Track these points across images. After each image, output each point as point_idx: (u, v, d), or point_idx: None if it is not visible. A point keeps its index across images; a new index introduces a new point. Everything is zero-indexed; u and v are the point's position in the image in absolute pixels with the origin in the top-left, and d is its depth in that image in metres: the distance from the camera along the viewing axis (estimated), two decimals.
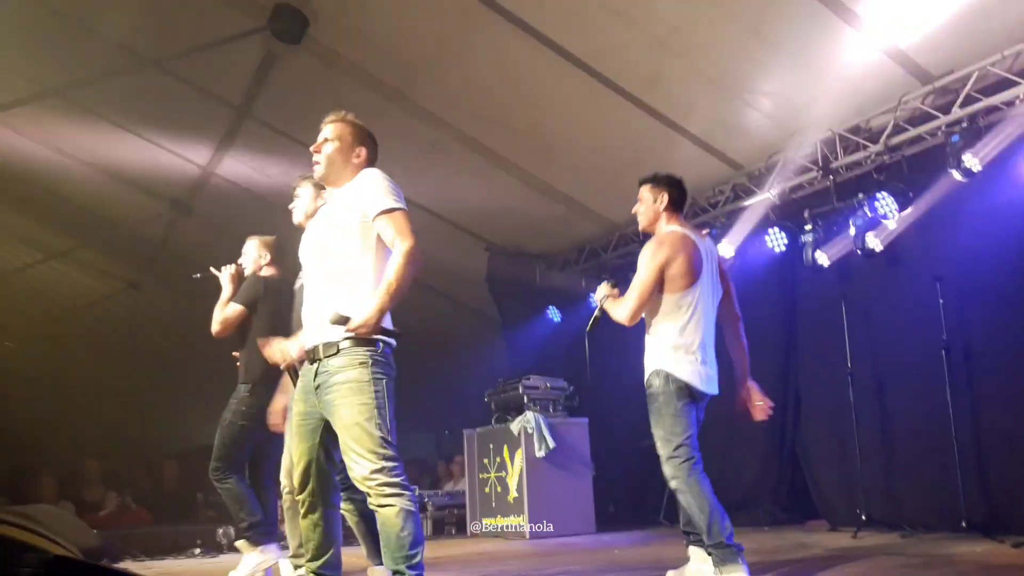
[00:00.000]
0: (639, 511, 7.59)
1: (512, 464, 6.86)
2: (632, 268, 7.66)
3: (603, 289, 3.28)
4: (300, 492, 2.83)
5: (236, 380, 4.47)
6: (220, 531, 7.48)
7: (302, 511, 2.84)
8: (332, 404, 2.71)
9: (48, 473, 8.45)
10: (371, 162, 2.96)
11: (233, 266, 4.54)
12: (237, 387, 4.46)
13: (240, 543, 4.41)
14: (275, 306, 4.41)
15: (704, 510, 3.50)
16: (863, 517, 5.37)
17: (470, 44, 5.65)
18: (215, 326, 4.43)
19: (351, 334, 2.66)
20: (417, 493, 8.22)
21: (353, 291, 2.73)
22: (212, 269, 4.57)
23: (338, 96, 5.94)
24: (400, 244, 2.69)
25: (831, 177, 5.94)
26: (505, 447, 6.98)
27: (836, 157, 5.86)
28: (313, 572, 2.85)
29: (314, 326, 2.81)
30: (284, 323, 4.38)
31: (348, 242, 2.76)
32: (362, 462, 2.63)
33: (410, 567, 2.63)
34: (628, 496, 7.84)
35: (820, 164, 5.92)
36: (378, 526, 2.67)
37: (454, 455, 9.03)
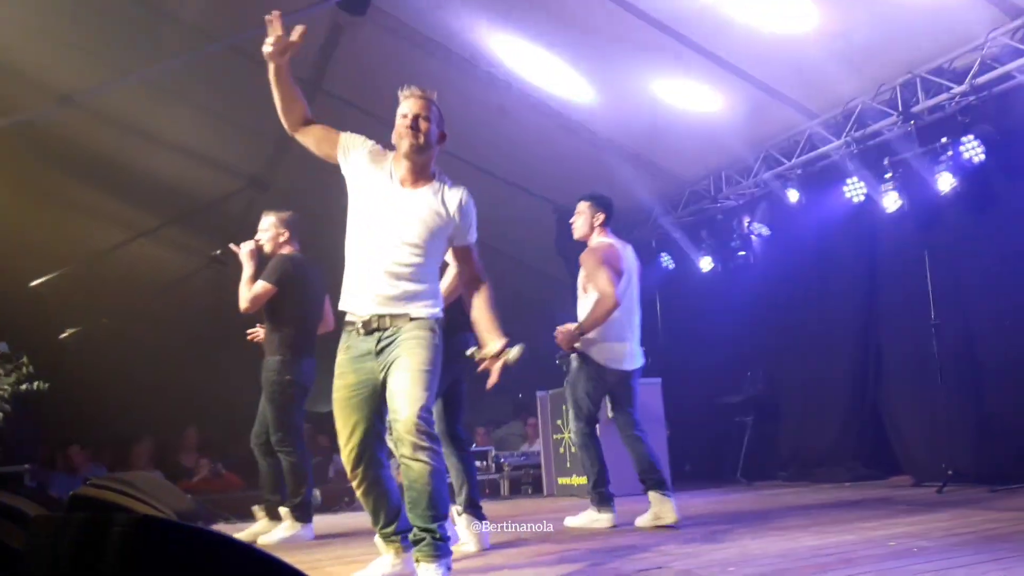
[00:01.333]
0: (716, 469, 7.56)
1: None
2: (704, 225, 7.60)
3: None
4: (357, 464, 2.87)
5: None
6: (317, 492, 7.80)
7: (363, 483, 2.89)
8: (398, 356, 2.80)
9: (144, 442, 8.94)
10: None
11: (252, 243, 4.64)
12: (266, 360, 4.60)
13: (284, 511, 4.56)
14: (303, 284, 4.59)
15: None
16: (949, 472, 5.22)
17: (534, 6, 5.60)
18: (244, 303, 4.53)
19: (428, 311, 2.88)
20: (494, 454, 8.37)
21: (419, 282, 2.89)
22: (232, 246, 4.67)
23: (404, 65, 5.99)
24: (482, 276, 3.04)
25: (912, 122, 5.70)
26: None
27: (917, 101, 5.61)
28: (389, 536, 2.92)
29: (379, 297, 2.88)
30: (311, 299, 4.59)
31: (433, 242, 2.91)
32: (413, 405, 2.69)
33: (440, 526, 2.70)
34: (705, 455, 7.81)
35: (900, 109, 5.69)
36: (406, 483, 2.72)
37: (528, 417, 9.13)
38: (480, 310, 2.98)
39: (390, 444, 3.01)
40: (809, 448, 6.89)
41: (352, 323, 2.95)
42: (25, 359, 5.37)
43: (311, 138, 3.06)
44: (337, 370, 2.95)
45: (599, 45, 5.84)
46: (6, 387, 5.18)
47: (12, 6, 5.91)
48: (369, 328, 2.90)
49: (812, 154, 6.41)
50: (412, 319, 2.88)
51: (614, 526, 4.54)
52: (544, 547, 3.79)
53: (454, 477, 3.94)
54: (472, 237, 3.02)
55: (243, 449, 4.62)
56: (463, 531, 3.83)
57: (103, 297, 9.56)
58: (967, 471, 5.31)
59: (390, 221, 2.91)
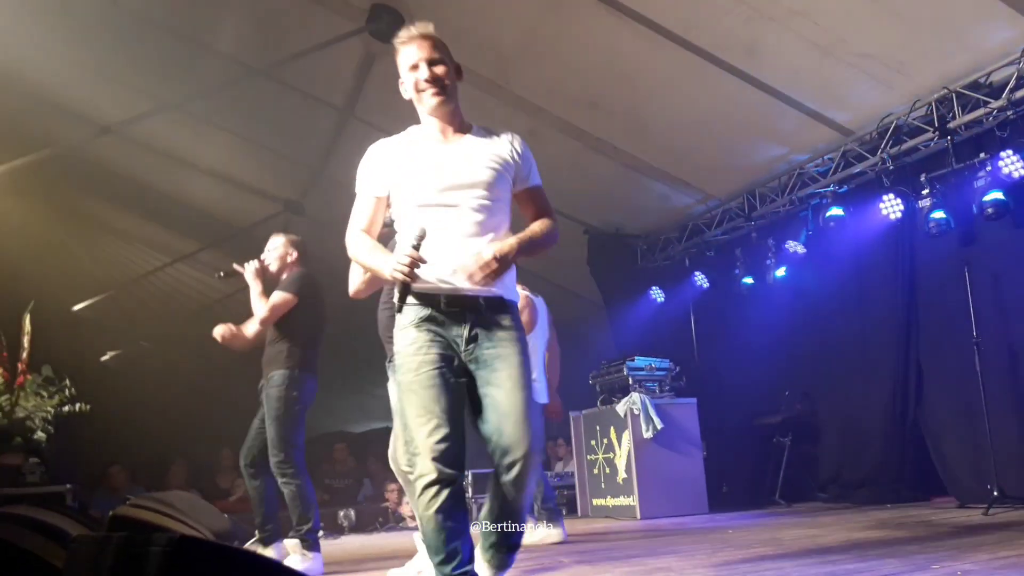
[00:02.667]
0: (754, 491, 7.45)
1: (619, 445, 6.86)
2: (737, 244, 7.55)
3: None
4: (449, 467, 2.33)
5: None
6: (341, 513, 7.82)
7: (438, 496, 2.31)
8: (498, 358, 2.43)
9: (182, 462, 9.07)
10: None
11: (256, 262, 4.59)
12: (271, 376, 4.47)
13: (292, 543, 4.36)
14: (319, 301, 4.61)
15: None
16: (995, 493, 5.09)
17: (562, 29, 5.64)
18: (263, 313, 4.45)
19: (512, 297, 2.55)
20: None
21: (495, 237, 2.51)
22: (235, 266, 4.60)
23: None
24: (549, 216, 2.63)
25: (949, 137, 5.62)
26: (612, 428, 6.98)
27: (953, 116, 5.54)
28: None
29: (458, 267, 2.43)
30: (322, 318, 4.60)
31: (500, 185, 2.54)
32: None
33: (511, 554, 2.54)
34: (742, 476, 7.71)
35: (936, 124, 5.62)
36: (499, 515, 2.48)
37: (560, 437, 9.11)
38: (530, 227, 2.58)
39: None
40: (849, 469, 6.76)
41: (429, 296, 2.46)
42: (67, 382, 5.47)
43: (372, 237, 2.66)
44: (411, 346, 2.44)
45: (627, 66, 5.86)
46: (49, 409, 5.29)
47: (55, 42, 6.10)
48: (454, 304, 2.46)
49: (848, 171, 6.35)
50: (505, 303, 2.52)
51: (562, 541, 5.14)
52: (571, 565, 3.75)
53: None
54: (536, 178, 2.66)
55: None
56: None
57: (142, 321, 9.77)
58: (1013, 491, 5.17)
59: (447, 171, 2.51)
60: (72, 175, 7.38)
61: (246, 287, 4.63)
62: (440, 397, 2.37)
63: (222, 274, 4.65)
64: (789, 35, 5.26)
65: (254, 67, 6.20)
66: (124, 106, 6.60)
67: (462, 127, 2.64)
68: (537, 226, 2.57)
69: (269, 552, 4.39)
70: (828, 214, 6.60)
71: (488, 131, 2.66)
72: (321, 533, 4.57)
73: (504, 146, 2.61)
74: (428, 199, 2.49)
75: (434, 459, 2.30)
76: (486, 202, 2.50)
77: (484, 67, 6.04)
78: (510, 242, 2.43)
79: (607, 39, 5.60)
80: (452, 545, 2.33)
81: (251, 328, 4.62)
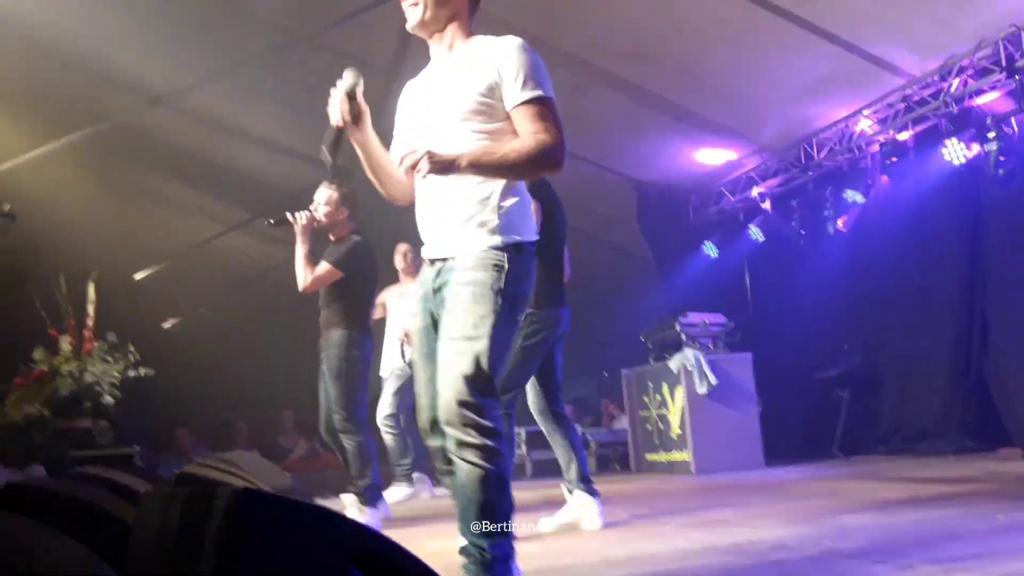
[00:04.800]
0: (812, 445, 7.36)
1: (673, 401, 6.83)
2: (794, 195, 7.37)
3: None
4: (431, 429, 2.25)
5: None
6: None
7: (443, 459, 2.24)
8: (444, 307, 2.22)
9: (244, 424, 9.34)
10: (475, 5, 2.40)
11: (306, 214, 4.44)
12: (329, 335, 4.45)
13: (349, 498, 4.40)
14: (371, 272, 4.58)
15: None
16: None
17: None
18: (306, 284, 4.37)
19: (491, 241, 2.18)
20: (581, 431, 8.39)
21: (480, 191, 2.21)
22: (288, 215, 4.46)
23: None
24: (540, 140, 2.15)
25: (1016, 77, 5.37)
26: (664, 385, 6.95)
27: (1022, 55, 5.28)
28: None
29: (437, 232, 2.30)
30: (373, 280, 4.57)
31: (477, 123, 2.21)
32: (453, 386, 2.10)
33: (492, 545, 2.09)
34: (800, 430, 7.62)
35: (1003, 64, 5.36)
36: (453, 486, 2.19)
37: (613, 395, 9.12)
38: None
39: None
40: (910, 421, 6.63)
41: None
42: (131, 347, 5.65)
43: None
44: (413, 311, 2.41)
45: (677, 15, 5.70)
46: (115, 375, 5.46)
47: (106, 16, 6.18)
48: (433, 260, 2.33)
49: (909, 116, 6.12)
50: (468, 252, 2.21)
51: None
52: (626, 521, 3.77)
53: (561, 455, 3.86)
54: (528, 91, 2.18)
55: None
56: (578, 509, 3.73)
57: (201, 288, 10.01)
58: None
59: (420, 108, 2.34)
60: (126, 147, 7.52)
61: (290, 257, 4.61)
62: (425, 367, 2.29)
63: (272, 221, 4.60)
64: None
65: (299, 32, 6.20)
66: (172, 76, 6.68)
67: (454, 46, 2.33)
68: (518, 143, 2.15)
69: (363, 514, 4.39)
70: (887, 161, 6.38)
71: (483, 45, 2.29)
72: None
73: (488, 66, 2.22)
74: (413, 139, 2.29)
75: None
76: (464, 140, 2.19)
77: (527, 22, 5.92)
78: (465, 152, 2.11)
79: None
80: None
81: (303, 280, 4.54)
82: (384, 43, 6.44)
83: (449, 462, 2.21)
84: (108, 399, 5.35)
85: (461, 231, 2.23)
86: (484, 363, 2.10)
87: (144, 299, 9.03)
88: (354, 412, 4.42)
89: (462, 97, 2.22)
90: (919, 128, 6.21)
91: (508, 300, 2.17)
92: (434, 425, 2.24)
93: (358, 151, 2.37)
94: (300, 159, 8.33)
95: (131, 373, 5.51)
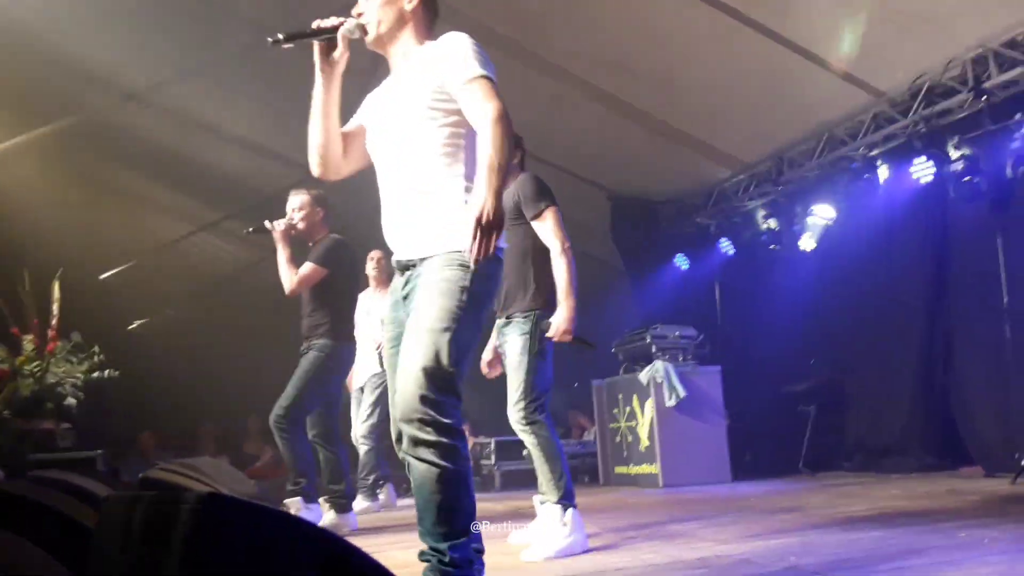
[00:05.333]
0: (778, 460, 7.41)
1: (642, 414, 6.86)
2: (765, 209, 7.42)
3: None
4: (397, 441, 2.21)
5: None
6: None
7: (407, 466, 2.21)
8: (415, 302, 2.22)
9: (209, 430, 9.21)
10: (430, 14, 2.41)
11: (284, 222, 4.51)
12: (312, 343, 4.49)
13: (290, 500, 4.44)
14: (352, 269, 4.58)
15: None
16: (1023, 462, 5.02)
17: None
18: (292, 285, 4.42)
19: (456, 245, 2.19)
20: None
21: (445, 192, 2.23)
22: (266, 223, 4.52)
23: None
24: (486, 110, 2.16)
25: (984, 98, 5.47)
26: (635, 397, 6.97)
27: (989, 76, 5.39)
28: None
29: (403, 237, 2.32)
30: (356, 282, 4.58)
31: (426, 130, 2.24)
32: (413, 381, 2.07)
33: (452, 547, 2.04)
34: (766, 445, 7.67)
35: (971, 85, 5.47)
36: (412, 486, 2.15)
37: (583, 406, 9.12)
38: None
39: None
40: (875, 438, 6.71)
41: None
42: (96, 348, 5.54)
43: (360, 158, 2.49)
44: (383, 319, 2.45)
45: (656, 27, 5.75)
46: (79, 375, 5.36)
47: (80, 8, 6.09)
48: (402, 268, 2.35)
49: (878, 134, 6.21)
50: (437, 254, 2.22)
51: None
52: (594, 533, 3.76)
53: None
54: (467, 71, 2.20)
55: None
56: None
57: (169, 289, 9.87)
58: None
59: (375, 123, 2.41)
60: (97, 143, 7.41)
61: (273, 253, 4.63)
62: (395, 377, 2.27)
63: (251, 230, 4.64)
64: None
65: (279, 31, 6.17)
66: (148, 72, 6.59)
67: (408, 54, 2.38)
68: (488, 148, 2.13)
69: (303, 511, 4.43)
70: (857, 177, 6.47)
71: (432, 47, 2.34)
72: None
73: (437, 64, 2.25)
74: (372, 155, 2.40)
75: None
76: (429, 137, 2.24)
77: (507, 29, 5.95)
78: (480, 196, 2.09)
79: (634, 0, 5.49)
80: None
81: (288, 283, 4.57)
82: (362, 45, 6.42)
83: None
84: (71, 401, 5.24)
85: (427, 235, 2.24)
86: (445, 357, 2.08)
87: (111, 299, 8.88)
88: (296, 415, 4.41)
89: (419, 98, 2.26)
90: (889, 146, 6.31)
91: (473, 298, 2.16)
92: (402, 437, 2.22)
93: (317, 87, 2.38)
94: (274, 159, 8.27)
95: (95, 375, 5.40)
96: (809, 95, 6.21)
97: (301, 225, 4.61)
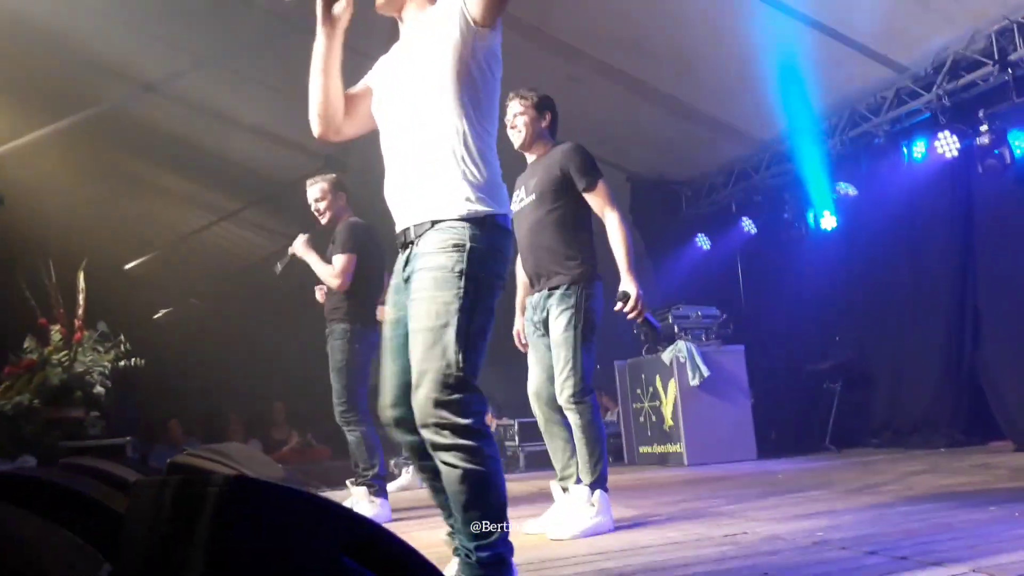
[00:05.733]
0: (804, 437, 7.38)
1: (666, 393, 6.84)
2: (787, 188, 7.38)
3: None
4: (396, 427, 2.20)
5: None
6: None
7: (414, 455, 2.23)
8: (411, 297, 2.09)
9: (237, 416, 9.32)
10: None
11: (303, 236, 4.53)
12: (332, 327, 4.47)
13: (358, 490, 4.37)
14: (376, 251, 4.55)
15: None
16: None
17: None
18: (334, 280, 4.40)
19: (452, 211, 2.07)
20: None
21: (449, 160, 2.13)
22: (288, 252, 4.55)
23: None
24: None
25: (1009, 71, 5.37)
26: (657, 377, 6.96)
27: (1015, 48, 5.28)
28: (454, 529, 2.17)
29: (404, 204, 2.21)
30: (380, 265, 4.55)
31: (435, 97, 2.16)
32: (426, 384, 1.98)
33: (480, 547, 1.98)
34: (791, 423, 7.63)
35: (996, 58, 5.36)
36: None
37: (606, 387, 9.12)
38: None
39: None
40: (902, 414, 6.66)
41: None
42: (122, 337, 5.62)
43: (363, 120, 2.36)
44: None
45: (672, 4, 5.69)
46: (106, 364, 5.44)
47: (97, 1, 6.13)
48: (400, 241, 2.21)
49: (901, 109, 6.11)
50: (433, 225, 2.09)
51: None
52: (619, 512, 3.77)
53: (562, 449, 3.60)
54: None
55: (330, 421, 4.66)
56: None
57: (192, 278, 9.97)
58: None
59: (383, 86, 2.30)
60: (118, 134, 7.47)
61: (288, 246, 4.61)
62: (390, 362, 2.22)
63: (280, 267, 4.64)
64: None
65: (295, 20, 6.17)
66: (166, 63, 6.63)
67: (416, 18, 2.26)
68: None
69: (371, 505, 4.37)
70: (879, 154, 6.38)
71: (434, 8, 2.24)
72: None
73: (438, 30, 2.15)
74: (378, 120, 2.30)
75: None
76: (420, 121, 2.14)
77: (521, 10, 5.91)
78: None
79: None
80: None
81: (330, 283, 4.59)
82: (377, 33, 6.40)
83: (420, 456, 2.16)
84: (99, 389, 5.33)
85: (427, 201, 2.11)
86: (452, 355, 1.97)
87: (135, 288, 8.98)
88: (353, 403, 4.41)
89: (428, 63, 2.15)
90: (912, 121, 6.21)
91: (473, 282, 2.03)
92: (399, 422, 2.18)
93: (319, 46, 2.26)
94: (293, 148, 8.30)
95: (122, 363, 5.48)
96: (829, 71, 6.12)
97: (325, 217, 4.58)
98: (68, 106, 6.82)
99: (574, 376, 3.37)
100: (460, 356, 1.98)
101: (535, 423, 3.79)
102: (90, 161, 7.80)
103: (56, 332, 5.37)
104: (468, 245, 2.04)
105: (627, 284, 3.41)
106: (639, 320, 3.39)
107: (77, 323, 5.42)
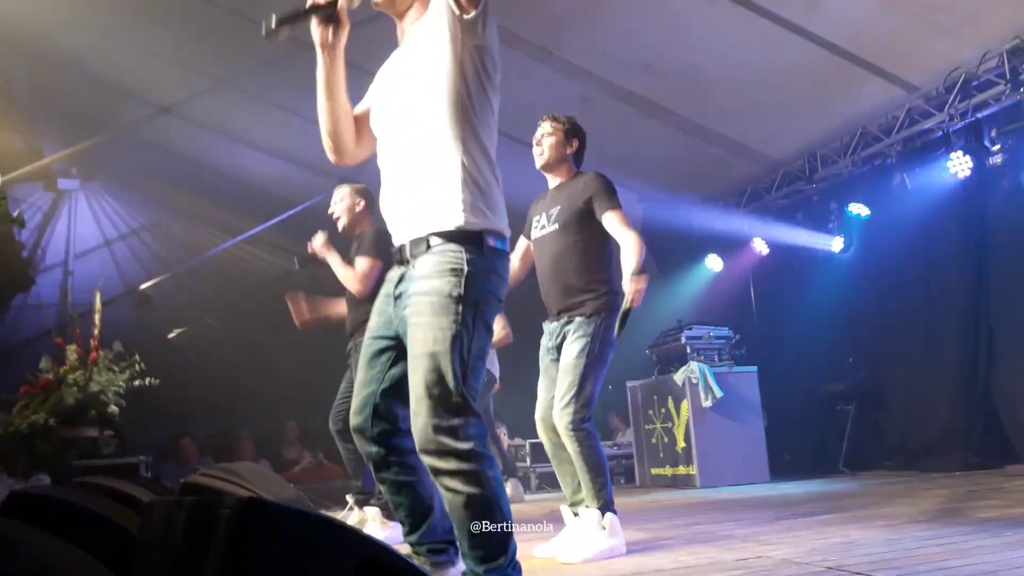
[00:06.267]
0: (817, 459, 7.33)
1: (678, 415, 6.81)
2: (800, 207, 7.36)
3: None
4: (357, 435, 2.19)
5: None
6: None
7: (373, 467, 2.21)
8: (406, 322, 2.08)
9: (249, 435, 9.33)
10: None
11: (322, 235, 4.42)
12: (357, 341, 4.26)
13: (372, 511, 4.30)
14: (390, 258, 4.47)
15: None
16: None
17: None
18: (356, 285, 4.24)
19: (446, 226, 2.04)
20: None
21: (445, 171, 2.08)
22: (309, 248, 4.43)
23: None
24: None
25: (1021, 90, 5.38)
26: (670, 398, 6.93)
27: None
28: (413, 546, 2.22)
29: (401, 216, 2.17)
30: None
31: (431, 105, 2.12)
32: (426, 411, 1.97)
33: (488, 571, 1.96)
34: (805, 445, 7.58)
35: (1008, 77, 5.37)
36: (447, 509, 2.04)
37: (618, 408, 9.08)
38: None
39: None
40: (916, 436, 6.60)
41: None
42: (137, 357, 5.66)
43: (368, 140, 2.33)
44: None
45: (682, 26, 5.73)
46: (121, 384, 5.47)
47: (116, 25, 6.23)
48: (396, 258, 2.20)
49: (913, 129, 6.12)
50: (429, 246, 2.06)
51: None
52: (631, 535, 3.75)
53: (571, 475, 3.54)
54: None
55: None
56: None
57: (206, 298, 10.03)
58: None
59: (379, 94, 2.29)
60: (136, 156, 7.57)
61: (302, 266, 4.60)
62: (363, 369, 2.21)
63: (297, 262, 4.58)
64: None
65: (308, 42, 6.26)
66: (182, 86, 6.73)
67: (413, 24, 2.22)
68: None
69: (362, 514, 4.35)
70: (892, 174, 6.38)
71: (430, 12, 2.17)
72: None
73: (430, 31, 2.11)
74: (375, 132, 2.25)
75: None
76: (415, 131, 2.09)
77: (533, 33, 5.97)
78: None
79: (661, 0, 5.47)
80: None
81: (338, 307, 4.52)
82: (387, 54, 6.49)
83: (378, 468, 2.17)
84: (113, 408, 5.36)
85: (424, 214, 2.07)
86: (451, 380, 1.96)
87: (150, 308, 9.05)
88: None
89: (422, 69, 2.11)
90: (924, 140, 6.20)
91: (471, 307, 2.01)
92: (360, 430, 2.17)
93: (321, 72, 2.20)
94: (307, 169, 8.38)
95: (136, 382, 5.52)
96: (841, 91, 6.14)
97: (343, 220, 4.48)
98: (87, 129, 6.93)
99: (575, 404, 3.35)
100: (459, 381, 1.97)
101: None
102: (107, 182, 7.90)
103: (72, 352, 5.42)
104: (465, 269, 2.01)
105: (633, 281, 3.24)
106: (626, 309, 3.23)
107: (93, 343, 5.47)
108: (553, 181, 3.76)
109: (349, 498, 4.52)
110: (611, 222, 3.49)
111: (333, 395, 4.62)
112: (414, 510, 2.17)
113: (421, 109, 2.08)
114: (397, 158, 2.14)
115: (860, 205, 6.86)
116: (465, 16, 2.03)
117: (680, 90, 6.43)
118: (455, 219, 2.03)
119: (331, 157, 2.33)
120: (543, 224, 3.65)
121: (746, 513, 4.48)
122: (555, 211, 3.60)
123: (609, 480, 3.41)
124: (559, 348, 3.53)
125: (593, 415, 3.44)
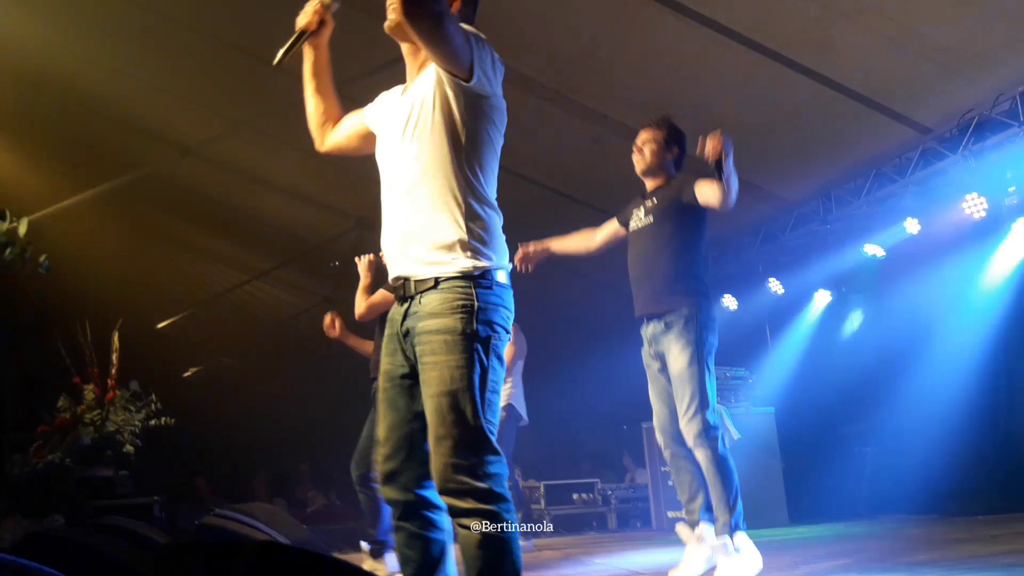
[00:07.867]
0: (836, 502, 7.21)
1: None
2: (814, 249, 7.36)
3: None
4: (386, 483, 2.11)
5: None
6: None
7: (396, 514, 2.11)
8: (419, 360, 2.05)
9: (263, 474, 9.32)
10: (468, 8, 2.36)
11: (369, 256, 4.50)
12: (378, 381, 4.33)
13: (392, 557, 4.18)
14: None
15: None
16: None
17: (626, 35, 5.61)
18: (360, 311, 4.32)
19: (454, 267, 2.03)
20: (600, 486, 8.22)
21: (449, 209, 2.08)
22: (356, 259, 4.53)
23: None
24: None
25: None
26: None
27: None
28: None
29: (402, 254, 2.13)
30: None
31: (436, 141, 2.13)
32: (445, 452, 1.95)
33: None
34: (823, 487, 7.46)
35: (1021, 119, 5.39)
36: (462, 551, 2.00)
37: (633, 449, 9.01)
38: None
39: None
40: (937, 479, 6.48)
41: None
42: (153, 396, 5.68)
43: (343, 136, 2.47)
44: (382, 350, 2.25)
45: (694, 70, 5.79)
46: (137, 423, 5.49)
47: (137, 68, 6.38)
48: (400, 295, 2.14)
49: (927, 170, 6.13)
50: (437, 282, 2.04)
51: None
52: None
53: (688, 484, 3.61)
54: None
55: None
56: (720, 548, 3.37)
57: (222, 337, 10.10)
58: None
59: (383, 132, 2.28)
60: (154, 196, 7.68)
61: (325, 301, 4.66)
62: (387, 413, 2.15)
63: (337, 263, 4.61)
64: (861, 31, 5.11)
65: (274, 57, 6.37)
66: (202, 127, 6.85)
67: (423, 66, 2.23)
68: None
69: (374, 564, 4.27)
70: (906, 215, 6.38)
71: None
72: None
73: (428, 73, 2.15)
74: (379, 163, 2.27)
75: None
76: (420, 167, 2.09)
77: (546, 77, 6.05)
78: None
79: (672, 43, 5.54)
80: None
81: (363, 345, 4.63)
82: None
83: (403, 517, 2.09)
84: (129, 448, 5.37)
85: (423, 254, 2.07)
86: (471, 418, 1.95)
87: (167, 348, 9.11)
88: (367, 467, 4.28)
89: (430, 103, 2.12)
90: (938, 181, 6.21)
91: (483, 343, 2.01)
92: (391, 477, 2.10)
93: (306, 60, 2.45)
94: (324, 209, 8.47)
95: (152, 422, 5.53)
96: (854, 133, 6.17)
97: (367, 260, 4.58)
98: (109, 169, 7.05)
99: (701, 412, 3.36)
100: (478, 419, 1.96)
101: (561, 485, 3.79)
102: (126, 223, 8.01)
103: (89, 391, 5.45)
104: (475, 305, 2.01)
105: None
106: (712, 158, 3.34)
107: (110, 382, 5.50)
108: (650, 184, 3.85)
109: (364, 546, 4.47)
110: (703, 182, 3.57)
111: (347, 436, 4.61)
112: (421, 569, 2.08)
113: (424, 148, 2.10)
114: (400, 195, 2.14)
115: (875, 246, 6.84)
116: (459, 81, 2.10)
117: (694, 133, 6.47)
118: (461, 263, 2.04)
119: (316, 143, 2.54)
120: (640, 217, 3.76)
121: (765, 555, 4.39)
122: (651, 205, 3.69)
123: (739, 492, 3.41)
124: (662, 356, 3.54)
125: (718, 418, 3.47)
